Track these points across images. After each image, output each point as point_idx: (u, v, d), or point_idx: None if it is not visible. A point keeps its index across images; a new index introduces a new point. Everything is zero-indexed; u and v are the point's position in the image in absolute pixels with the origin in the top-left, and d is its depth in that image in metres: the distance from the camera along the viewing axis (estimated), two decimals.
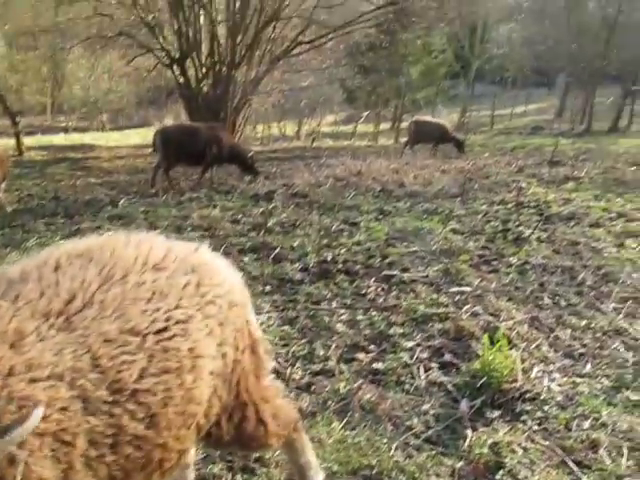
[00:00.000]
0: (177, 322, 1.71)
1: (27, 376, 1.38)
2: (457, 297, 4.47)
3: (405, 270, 4.94)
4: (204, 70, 16.93)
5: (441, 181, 8.84)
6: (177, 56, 16.86)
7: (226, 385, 1.90)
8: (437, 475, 2.70)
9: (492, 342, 3.49)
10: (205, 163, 10.22)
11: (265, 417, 2.12)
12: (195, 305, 1.78)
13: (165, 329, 1.67)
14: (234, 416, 2.00)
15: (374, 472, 2.70)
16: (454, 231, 6.08)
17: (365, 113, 27.87)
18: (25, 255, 6.07)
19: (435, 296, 4.43)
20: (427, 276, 4.85)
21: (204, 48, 17.17)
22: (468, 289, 4.59)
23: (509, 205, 7.45)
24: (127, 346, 1.58)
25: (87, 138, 23.95)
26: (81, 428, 1.43)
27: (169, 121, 24.32)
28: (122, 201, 8.79)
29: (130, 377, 1.55)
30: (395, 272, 4.84)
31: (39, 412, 1.23)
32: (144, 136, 23.45)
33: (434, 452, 2.84)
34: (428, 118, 17.34)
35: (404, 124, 24.66)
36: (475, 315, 4.14)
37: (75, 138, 24.05)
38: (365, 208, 6.99)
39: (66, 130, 26.99)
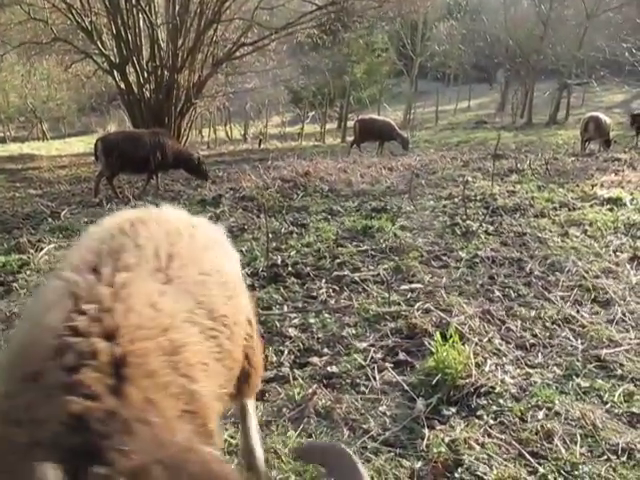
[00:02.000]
0: (224, 265, 2.17)
1: (171, 326, 1.63)
2: (409, 294, 4.47)
3: (356, 270, 4.90)
4: (146, 75, 16.56)
5: (388, 179, 8.88)
6: (117, 61, 16.43)
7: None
8: (396, 477, 2.66)
9: (445, 338, 3.49)
10: (149, 170, 9.98)
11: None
12: (227, 255, 2.31)
13: (221, 269, 2.11)
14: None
15: None
16: (403, 228, 6.09)
17: (311, 113, 27.90)
18: None
19: (387, 295, 4.40)
20: (378, 275, 4.83)
21: (145, 52, 16.81)
22: (419, 286, 4.59)
23: (456, 199, 7.53)
24: (208, 284, 1.95)
25: (26, 148, 23.15)
26: (206, 351, 1.75)
27: (112, 128, 23.78)
28: (64, 212, 8.47)
29: (217, 306, 1.93)
30: (346, 272, 4.80)
31: None
32: (87, 144, 22.82)
33: (392, 454, 2.80)
34: (373, 116, 17.45)
35: (350, 123, 24.81)
36: (427, 312, 4.13)
37: (13, 148, 23.20)
38: (314, 209, 6.94)
39: (4, 140, 26.03)
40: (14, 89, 26.68)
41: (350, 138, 17.41)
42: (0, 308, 4.72)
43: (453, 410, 3.09)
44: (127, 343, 1.50)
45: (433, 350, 3.48)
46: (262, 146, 20.46)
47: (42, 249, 6.35)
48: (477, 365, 3.38)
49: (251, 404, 2.71)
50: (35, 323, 1.55)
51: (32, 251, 6.37)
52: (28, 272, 5.60)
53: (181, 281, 1.85)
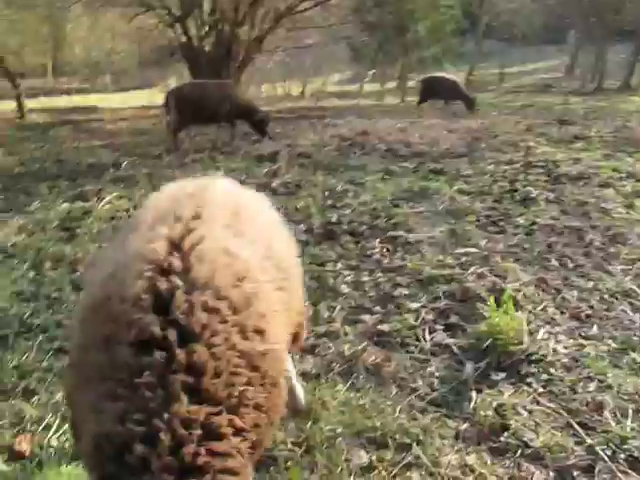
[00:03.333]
0: (282, 231, 2.30)
1: (252, 278, 1.72)
2: (463, 258, 4.41)
3: (411, 231, 4.88)
4: (206, 29, 16.57)
5: (448, 140, 8.69)
6: (179, 14, 16.48)
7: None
8: (441, 437, 2.69)
9: (498, 304, 3.45)
10: (217, 121, 10.09)
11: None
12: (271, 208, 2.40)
13: (274, 221, 2.27)
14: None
15: (378, 434, 2.69)
16: (461, 191, 5.98)
17: (371, 72, 27.37)
18: (27, 218, 6.06)
19: (441, 257, 4.38)
20: (433, 237, 4.79)
21: (206, 6, 16.77)
22: (474, 250, 4.53)
23: (517, 165, 7.31)
24: (274, 238, 2.09)
25: (90, 100, 23.69)
26: (278, 300, 1.85)
27: (173, 81, 23.94)
28: (125, 163, 8.70)
29: (282, 256, 2.04)
30: (401, 233, 4.78)
31: None
32: (148, 97, 23.17)
33: (438, 414, 2.84)
34: (439, 75, 16.82)
35: (411, 82, 24.22)
36: (481, 276, 4.09)
37: (78, 100, 23.79)
38: (371, 168, 6.89)
39: (68, 92, 26.67)
40: (79, 41, 27.17)
41: (410, 98, 16.99)
42: (65, 253, 4.95)
43: (502, 376, 3.08)
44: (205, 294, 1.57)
45: (486, 315, 3.45)
46: (320, 103, 20.28)
47: (104, 198, 6.58)
48: (530, 333, 3.34)
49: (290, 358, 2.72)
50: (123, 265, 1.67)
51: (94, 200, 6.61)
52: (91, 219, 5.82)
53: (248, 234, 1.92)
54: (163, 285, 1.54)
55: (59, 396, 3.08)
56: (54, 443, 2.76)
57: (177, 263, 1.60)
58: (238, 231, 1.89)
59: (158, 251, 1.63)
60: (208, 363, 1.46)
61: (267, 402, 1.60)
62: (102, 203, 6.40)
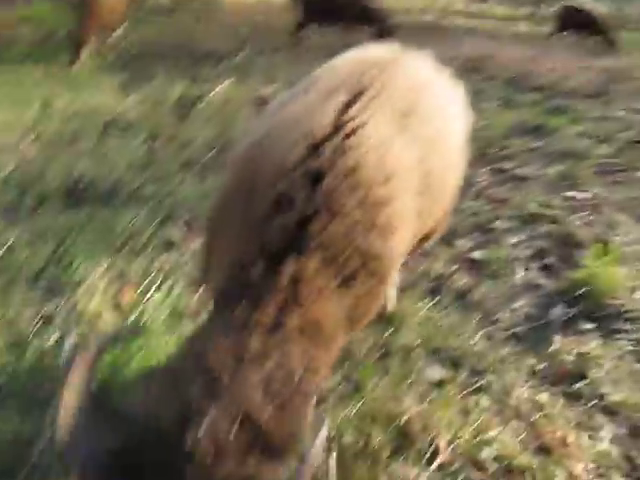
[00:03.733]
0: (455, 130, 2.28)
1: (398, 179, 1.75)
2: (572, 202, 4.20)
3: (521, 166, 4.66)
4: None
5: (579, 77, 8.03)
6: None
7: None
8: (516, 370, 2.69)
9: (601, 255, 3.31)
10: (344, 21, 9.84)
11: None
12: (460, 119, 2.41)
13: (451, 133, 2.22)
14: None
15: (454, 355, 2.73)
16: (582, 134, 5.58)
17: None
18: (144, 95, 6.28)
19: (549, 197, 4.18)
20: (544, 175, 4.56)
21: None
22: (587, 196, 4.28)
23: None
24: (436, 145, 2.01)
25: None
26: (414, 207, 1.86)
27: None
28: (243, 53, 8.72)
29: (436, 170, 2.00)
30: (511, 166, 4.59)
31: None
32: None
33: (517, 349, 2.82)
34: (579, 4, 15.33)
35: (548, 10, 22.32)
36: (588, 224, 3.89)
37: None
38: (490, 95, 6.54)
39: None
40: None
41: (544, 28, 15.71)
42: (177, 133, 5.14)
43: (591, 326, 2.99)
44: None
45: (585, 263, 3.32)
46: (446, 21, 19.20)
47: (219, 85, 6.67)
48: (630, 290, 3.19)
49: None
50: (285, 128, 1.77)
51: (210, 85, 6.73)
52: (204, 104, 5.95)
53: (413, 135, 1.90)
54: (314, 163, 1.62)
55: (162, 259, 3.32)
56: (154, 300, 3.00)
57: (335, 143, 1.66)
58: (405, 126, 1.88)
59: (320, 127, 1.70)
60: (334, 237, 1.57)
61: (374, 287, 1.68)
62: (217, 89, 6.51)
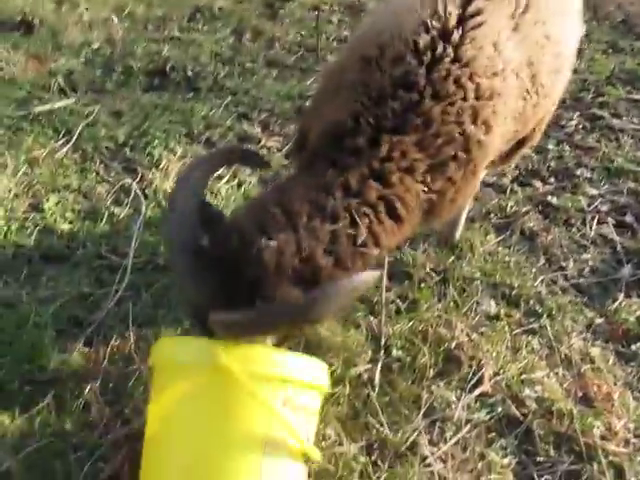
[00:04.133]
0: (568, 38, 2.19)
1: (502, 73, 1.81)
2: None
3: (617, 116, 4.37)
4: None
5: None
6: None
7: None
8: (573, 320, 2.64)
9: None
10: None
11: None
12: (574, 28, 2.30)
13: (563, 40, 2.13)
14: None
15: (513, 293, 2.69)
16: None
17: None
18: None
19: (639, 154, 3.95)
20: (638, 130, 4.29)
21: None
22: None
23: None
24: (546, 49, 2.00)
25: None
26: (513, 109, 1.93)
27: None
28: None
29: (542, 74, 2.01)
30: (605, 114, 4.31)
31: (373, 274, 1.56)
32: None
33: (578, 299, 2.76)
34: None
35: None
36: None
37: None
38: (596, 37, 6.08)
39: None
40: None
41: None
42: (265, 28, 5.03)
43: None
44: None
45: None
46: None
47: None
48: None
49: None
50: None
51: None
52: (295, 4, 5.72)
53: (525, 35, 1.92)
54: (436, 49, 1.72)
55: None
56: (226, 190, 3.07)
57: (455, 36, 1.75)
58: (520, 26, 1.90)
59: (444, 17, 1.77)
60: (437, 119, 1.67)
61: (460, 182, 1.77)
62: None
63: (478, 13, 1.81)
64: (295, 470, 1.53)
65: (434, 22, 1.76)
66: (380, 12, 2.04)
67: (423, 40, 1.72)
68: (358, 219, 1.57)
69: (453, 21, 1.77)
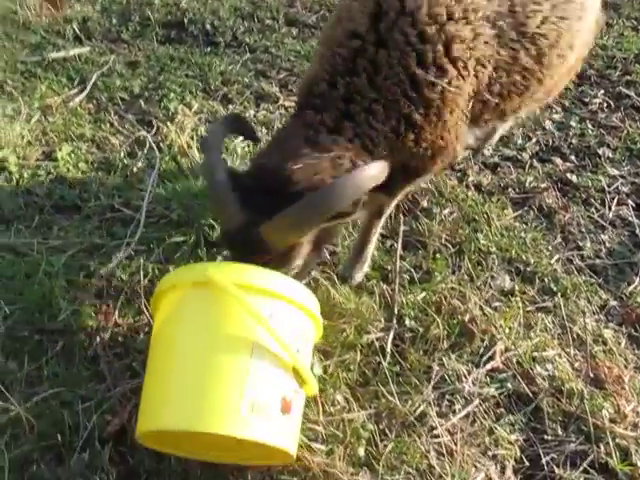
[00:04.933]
0: None
1: (462, 19, 1.92)
2: None
3: None
4: None
5: None
6: None
7: None
8: (587, 301, 2.61)
9: None
10: None
11: None
12: None
13: None
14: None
15: (528, 269, 2.66)
16: None
17: None
18: None
19: None
20: None
21: None
22: None
23: None
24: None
25: None
26: (492, 57, 2.03)
27: None
28: None
29: (533, 23, 2.08)
30: (631, 93, 4.20)
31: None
32: None
33: (593, 280, 2.72)
34: None
35: None
36: None
37: None
38: (626, 12, 5.90)
39: None
40: None
41: None
42: None
43: None
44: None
45: None
46: None
47: None
48: None
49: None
50: None
51: None
52: None
53: None
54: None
55: (253, 110, 3.29)
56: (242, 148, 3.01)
57: None
58: None
59: None
60: (382, 62, 1.89)
61: (425, 125, 1.97)
62: None
63: None
64: (283, 377, 1.58)
65: None
66: None
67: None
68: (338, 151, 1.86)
69: None
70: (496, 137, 3.31)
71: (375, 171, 1.79)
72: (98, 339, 2.14)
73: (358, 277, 2.49)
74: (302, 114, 1.96)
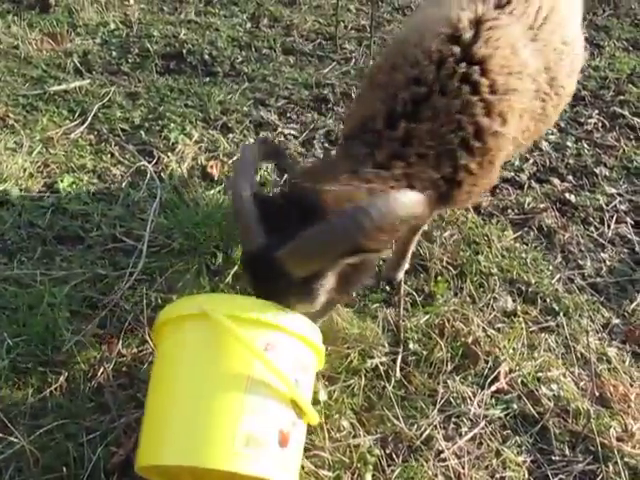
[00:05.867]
0: (580, 38, 2.49)
1: (518, 74, 2.02)
2: None
3: (637, 115, 4.29)
4: None
5: None
6: None
7: None
8: (590, 320, 2.62)
9: None
10: None
11: None
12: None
13: (578, 42, 2.43)
14: None
15: (530, 290, 2.67)
16: None
17: None
18: None
19: None
20: None
21: None
22: None
23: None
24: (564, 55, 2.26)
25: None
26: (529, 108, 2.15)
27: None
28: None
29: (560, 76, 2.26)
30: (626, 113, 4.25)
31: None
32: None
33: (594, 299, 2.73)
34: None
35: None
36: None
37: None
38: (616, 34, 6.00)
39: None
40: None
41: None
42: (283, 15, 4.97)
43: None
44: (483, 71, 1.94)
45: None
46: None
47: None
48: None
49: None
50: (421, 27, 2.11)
51: None
52: None
53: (544, 44, 2.16)
54: (447, 49, 1.95)
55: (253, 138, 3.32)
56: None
57: (466, 36, 1.97)
58: (539, 36, 2.14)
59: (459, 23, 1.99)
60: (443, 110, 1.89)
61: (478, 170, 1.99)
62: None
63: (493, 19, 2.03)
64: (280, 409, 1.57)
65: (444, 28, 1.99)
66: (409, 21, 2.41)
67: (435, 44, 1.95)
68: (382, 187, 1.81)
69: (464, 24, 1.99)
70: None
71: (409, 200, 1.66)
72: (102, 370, 2.14)
73: (400, 276, 2.63)
74: (348, 145, 1.94)
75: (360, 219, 1.55)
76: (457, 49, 1.94)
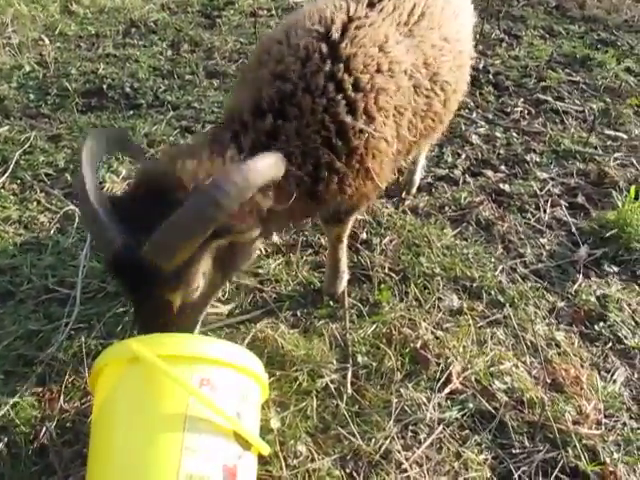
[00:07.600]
0: (466, 34, 2.54)
1: (388, 72, 2.01)
2: (609, 142, 4.02)
3: (560, 99, 4.44)
4: None
5: (632, 11, 7.57)
6: None
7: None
8: (536, 306, 2.65)
9: (636, 197, 3.18)
10: None
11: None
12: (469, 23, 2.66)
13: (461, 37, 2.45)
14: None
15: (474, 285, 2.68)
16: (628, 70, 5.28)
17: None
18: (168, 0, 5.99)
19: (585, 135, 4.00)
20: (582, 111, 4.35)
21: None
22: (625, 136, 4.10)
23: None
24: (442, 50, 2.25)
25: None
26: (410, 105, 2.13)
27: None
28: None
29: (442, 72, 2.25)
30: (548, 98, 4.36)
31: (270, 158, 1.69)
32: None
33: (538, 285, 2.77)
34: None
35: None
36: (624, 165, 3.73)
37: None
38: (532, 23, 6.17)
39: None
40: None
41: None
42: (203, 39, 4.94)
43: (615, 269, 2.91)
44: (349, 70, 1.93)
45: (618, 204, 3.20)
46: None
47: None
48: None
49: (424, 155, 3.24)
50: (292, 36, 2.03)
51: None
52: (232, 12, 5.68)
53: (420, 40, 2.16)
54: (314, 46, 1.94)
55: None
56: None
57: (335, 34, 1.97)
58: (415, 32, 2.15)
59: (332, 22, 2.00)
60: (307, 109, 1.88)
61: (347, 170, 1.96)
62: None
63: (361, 18, 2.04)
64: (222, 444, 1.52)
65: (317, 26, 1.99)
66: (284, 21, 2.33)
67: (303, 41, 1.94)
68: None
69: (337, 25, 1.99)
70: (416, 180, 3.31)
71: (264, 163, 1.62)
72: (44, 430, 2.04)
73: (339, 290, 2.58)
74: (214, 132, 1.94)
75: (216, 196, 1.48)
76: (325, 47, 1.93)
